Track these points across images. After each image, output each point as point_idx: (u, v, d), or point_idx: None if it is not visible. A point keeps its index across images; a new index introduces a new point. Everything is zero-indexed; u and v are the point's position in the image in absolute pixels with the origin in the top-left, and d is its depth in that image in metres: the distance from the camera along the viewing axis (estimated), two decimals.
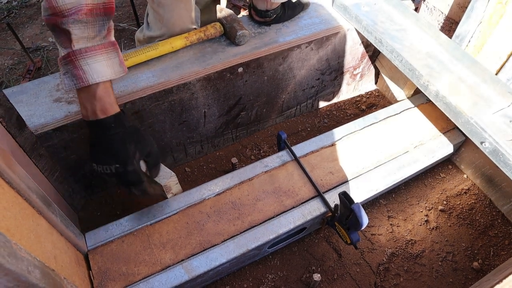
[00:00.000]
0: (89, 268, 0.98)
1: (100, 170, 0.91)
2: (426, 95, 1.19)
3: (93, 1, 0.78)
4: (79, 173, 1.21)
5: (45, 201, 0.82)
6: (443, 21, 1.41)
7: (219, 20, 1.31)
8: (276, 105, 1.50)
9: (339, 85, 1.62)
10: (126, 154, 0.90)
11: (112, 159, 0.90)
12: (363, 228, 0.96)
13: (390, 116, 1.37)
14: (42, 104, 1.09)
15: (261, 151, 1.49)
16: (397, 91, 1.60)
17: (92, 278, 0.96)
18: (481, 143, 1.05)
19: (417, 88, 1.46)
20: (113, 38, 0.88)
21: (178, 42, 1.23)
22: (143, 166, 0.98)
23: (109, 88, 0.88)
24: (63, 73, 0.83)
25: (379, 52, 1.58)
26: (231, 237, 1.05)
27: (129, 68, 1.18)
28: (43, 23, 2.34)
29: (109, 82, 0.88)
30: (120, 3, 2.53)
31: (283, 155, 1.23)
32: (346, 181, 1.18)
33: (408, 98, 1.49)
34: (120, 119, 0.91)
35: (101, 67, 0.84)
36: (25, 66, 2.05)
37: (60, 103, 1.09)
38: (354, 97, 1.71)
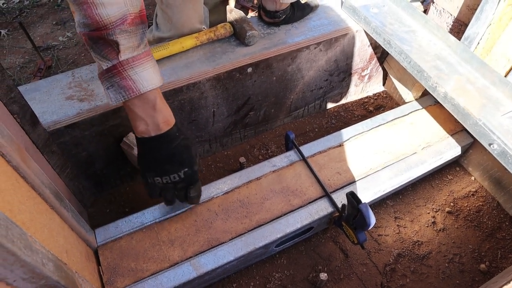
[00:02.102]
0: (98, 263, 0.99)
1: (166, 181, 0.91)
2: (435, 96, 1.20)
3: (135, 10, 0.76)
4: (90, 170, 1.23)
5: (58, 196, 0.84)
6: (452, 23, 1.41)
7: (229, 21, 1.32)
8: (284, 106, 1.51)
9: (347, 86, 1.63)
10: (193, 156, 0.92)
11: (180, 166, 0.90)
12: (370, 228, 0.97)
13: (398, 117, 1.37)
14: (54, 102, 1.11)
15: (269, 151, 1.50)
16: (405, 93, 1.61)
17: (101, 273, 0.97)
18: (490, 145, 1.05)
19: (425, 89, 1.46)
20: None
21: (188, 42, 1.24)
22: None
23: (162, 97, 0.86)
24: (106, 88, 0.80)
25: (387, 54, 1.58)
26: (239, 235, 1.05)
27: None
28: (54, 22, 2.37)
29: (159, 91, 0.85)
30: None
31: (291, 155, 1.24)
32: (354, 182, 1.18)
33: (416, 99, 1.49)
34: (178, 126, 0.90)
35: (149, 75, 0.81)
36: (35, 65, 2.08)
37: (72, 101, 1.11)
38: (362, 99, 1.71)
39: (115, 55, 0.77)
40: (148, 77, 0.81)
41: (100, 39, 0.75)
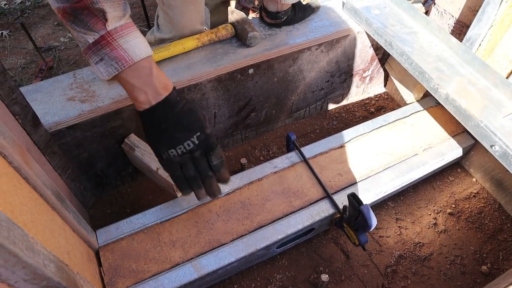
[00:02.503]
0: (100, 264, 0.99)
1: (182, 151, 0.85)
2: (436, 98, 1.20)
3: None
4: (91, 171, 1.23)
5: (59, 197, 0.84)
6: (453, 25, 1.41)
7: (230, 22, 1.32)
8: (286, 107, 1.51)
9: (348, 88, 1.63)
10: (201, 119, 0.86)
11: (190, 131, 0.85)
12: (371, 229, 0.96)
13: (399, 118, 1.37)
14: (56, 103, 1.11)
15: (270, 152, 1.50)
16: (406, 94, 1.60)
17: (102, 274, 0.97)
18: (491, 146, 1.05)
19: (426, 91, 1.46)
20: None
21: (189, 43, 1.25)
22: None
23: (156, 64, 0.82)
24: (95, 62, 0.76)
25: (388, 55, 1.58)
26: (240, 237, 1.05)
27: None
28: (55, 23, 2.37)
29: (152, 58, 0.81)
30: (131, 4, 2.55)
31: (292, 156, 1.24)
32: (355, 183, 1.18)
33: (417, 101, 1.49)
34: (178, 91, 0.86)
35: (140, 43, 0.77)
36: (37, 66, 2.08)
37: (74, 102, 1.11)
38: (363, 100, 1.71)
39: (102, 25, 0.73)
40: (139, 45, 0.77)
41: (85, 9, 0.71)
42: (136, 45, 0.77)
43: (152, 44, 1.47)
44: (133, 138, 1.18)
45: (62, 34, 2.31)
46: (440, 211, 1.32)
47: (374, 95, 1.73)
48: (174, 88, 0.85)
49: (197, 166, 0.90)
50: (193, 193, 0.95)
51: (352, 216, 1.01)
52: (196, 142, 0.86)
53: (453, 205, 1.34)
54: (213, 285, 1.14)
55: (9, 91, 0.85)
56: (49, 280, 0.57)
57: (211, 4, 1.71)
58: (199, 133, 0.86)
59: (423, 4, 1.90)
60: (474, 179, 1.41)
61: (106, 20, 0.73)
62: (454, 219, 1.31)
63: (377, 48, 1.52)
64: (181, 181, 0.91)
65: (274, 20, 1.35)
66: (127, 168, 1.30)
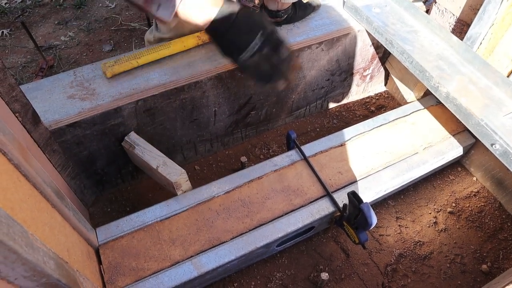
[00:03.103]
0: (99, 262, 0.99)
1: (253, 51, 0.92)
2: (437, 96, 1.19)
3: None
4: (91, 169, 1.23)
5: (59, 195, 0.84)
6: (454, 23, 1.41)
7: None
8: (286, 105, 1.50)
9: (349, 86, 1.63)
10: (260, 21, 0.93)
11: (253, 31, 0.92)
12: (371, 227, 0.96)
13: (400, 117, 1.37)
14: (56, 101, 1.11)
15: (270, 151, 1.50)
16: (407, 93, 1.60)
17: (102, 272, 0.97)
18: (492, 145, 1.05)
19: (427, 90, 1.46)
20: None
21: (190, 41, 1.24)
22: None
23: None
24: (156, 10, 0.84)
25: (389, 54, 1.58)
26: (240, 235, 1.05)
27: (141, 66, 1.20)
28: (56, 22, 2.38)
29: None
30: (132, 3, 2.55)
31: (292, 154, 1.24)
32: (355, 181, 1.18)
33: (417, 100, 1.49)
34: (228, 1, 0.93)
35: None
36: (37, 64, 2.08)
37: (74, 100, 1.11)
38: (363, 98, 1.71)
39: None
40: None
41: None
42: None
43: (152, 43, 1.47)
44: (133, 136, 1.18)
45: (62, 33, 2.31)
46: (441, 210, 1.32)
47: (375, 94, 1.73)
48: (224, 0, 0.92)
49: (272, 60, 0.97)
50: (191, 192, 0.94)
51: (352, 215, 1.01)
52: (262, 39, 0.92)
53: (454, 204, 1.34)
54: (213, 283, 1.14)
55: (9, 89, 0.85)
56: (49, 277, 0.57)
57: None
58: (261, 30, 0.92)
59: (424, 2, 1.90)
60: (474, 178, 1.41)
61: None
62: (455, 218, 1.31)
63: (377, 46, 1.52)
64: (260, 76, 1.00)
65: (274, 18, 1.34)
66: (127, 166, 1.30)
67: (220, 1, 0.91)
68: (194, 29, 1.33)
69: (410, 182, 1.29)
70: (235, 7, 0.92)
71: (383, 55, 1.58)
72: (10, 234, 0.47)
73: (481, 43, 1.24)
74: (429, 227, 1.28)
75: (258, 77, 1.00)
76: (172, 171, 1.09)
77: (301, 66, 1.01)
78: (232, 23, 0.91)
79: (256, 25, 0.93)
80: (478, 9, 1.19)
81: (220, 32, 0.92)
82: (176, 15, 0.86)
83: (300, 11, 1.39)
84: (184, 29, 1.32)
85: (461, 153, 1.32)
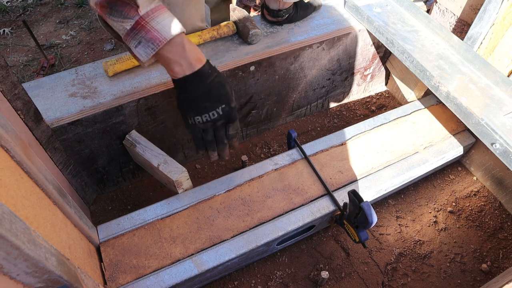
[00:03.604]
0: (100, 260, 1.00)
1: (206, 119, 0.95)
2: (437, 96, 1.20)
3: None
4: (92, 167, 1.23)
5: (61, 192, 0.84)
6: (455, 23, 1.41)
7: (232, 19, 1.33)
8: (287, 104, 1.51)
9: (350, 86, 1.63)
10: (229, 93, 0.95)
11: (217, 102, 0.93)
12: (372, 226, 0.97)
13: (400, 117, 1.37)
14: (58, 99, 1.12)
15: (271, 150, 1.50)
16: (407, 93, 1.60)
17: (103, 269, 0.97)
18: (492, 144, 1.05)
19: (427, 89, 1.46)
20: None
21: (191, 40, 1.24)
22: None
23: (189, 40, 0.90)
24: (134, 46, 0.84)
25: (390, 53, 1.58)
26: (240, 233, 1.06)
27: None
28: (57, 21, 2.38)
29: (184, 35, 0.89)
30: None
31: (293, 153, 1.24)
32: (355, 180, 1.19)
33: (418, 99, 1.49)
34: (210, 64, 0.94)
35: (170, 22, 0.85)
36: (39, 63, 2.08)
37: (76, 98, 1.12)
38: (364, 98, 1.71)
39: (135, 11, 0.80)
40: (170, 24, 0.84)
41: (118, 0, 0.80)
42: (167, 24, 0.84)
43: None
44: (135, 135, 1.18)
45: (64, 32, 2.31)
46: (441, 209, 1.33)
47: (375, 93, 1.73)
48: (207, 61, 0.93)
49: (216, 132, 1.01)
50: (192, 190, 0.95)
51: (353, 213, 1.01)
52: (221, 113, 0.95)
53: (454, 204, 1.34)
54: (214, 282, 1.15)
55: (12, 86, 0.85)
56: (51, 273, 0.58)
57: (211, 1, 1.71)
58: (224, 105, 0.95)
59: (425, 2, 1.90)
60: (474, 178, 1.41)
61: (138, 7, 0.80)
62: (455, 217, 1.31)
63: (378, 46, 1.52)
64: (199, 143, 1.03)
65: (275, 18, 1.35)
66: (128, 164, 1.31)
67: (204, 59, 0.92)
68: (196, 28, 1.33)
69: (411, 181, 1.30)
70: (213, 71, 0.94)
71: (384, 54, 1.58)
72: (12, 230, 0.48)
73: (481, 43, 1.24)
74: (429, 226, 1.28)
75: (197, 141, 1.02)
76: (173, 170, 1.09)
77: (237, 146, 1.08)
78: (205, 84, 0.92)
79: (225, 96, 0.95)
80: (479, 9, 1.19)
81: (189, 87, 0.92)
82: (153, 57, 0.87)
83: (302, 11, 1.39)
84: (186, 27, 1.31)
85: (462, 152, 1.32)
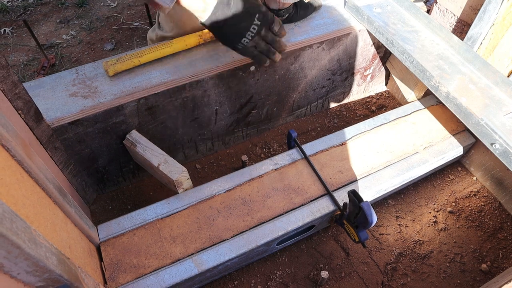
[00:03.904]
0: (101, 259, 1.00)
1: (252, 36, 1.01)
2: (437, 96, 1.20)
3: None
4: (92, 167, 1.23)
5: (61, 192, 0.84)
6: (455, 23, 1.41)
7: None
8: (287, 104, 1.51)
9: (350, 86, 1.63)
10: (254, 3, 1.00)
11: (250, 16, 0.99)
12: (371, 226, 0.97)
13: (400, 117, 1.37)
14: (58, 98, 1.12)
15: (271, 150, 1.50)
16: (407, 93, 1.61)
17: (103, 269, 0.98)
18: (492, 144, 1.05)
19: (427, 89, 1.46)
20: None
21: (192, 40, 1.25)
22: None
23: None
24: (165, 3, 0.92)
25: (390, 54, 1.59)
26: (240, 233, 1.06)
27: (143, 64, 1.21)
28: (58, 21, 2.38)
29: None
30: (133, 2, 2.56)
31: (293, 153, 1.25)
32: (355, 180, 1.19)
33: (418, 99, 1.49)
34: None
35: None
36: (39, 63, 2.09)
37: (76, 98, 1.12)
38: (364, 98, 1.71)
39: None
40: None
41: None
42: None
43: (154, 42, 1.47)
44: (135, 134, 1.18)
45: (64, 32, 2.32)
46: (440, 209, 1.33)
47: (375, 94, 1.73)
48: None
49: (266, 40, 1.08)
50: (192, 190, 0.95)
51: (353, 213, 1.01)
52: (259, 23, 1.01)
53: (453, 204, 1.34)
54: (214, 281, 1.15)
55: (12, 86, 0.85)
56: (51, 272, 0.58)
57: None
58: (257, 14, 1.01)
59: (425, 2, 1.90)
60: (474, 178, 1.41)
61: None
62: (454, 218, 1.31)
63: (378, 46, 1.52)
64: (258, 58, 1.10)
65: None
66: (129, 164, 1.31)
67: None
68: (196, 28, 1.33)
69: (410, 181, 1.30)
70: None
71: (384, 54, 1.58)
72: (13, 229, 0.48)
73: (481, 43, 1.24)
74: (429, 226, 1.29)
75: (256, 57, 1.09)
76: (173, 169, 1.09)
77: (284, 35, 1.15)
78: (231, 8, 0.97)
79: (252, 8, 1.00)
80: (479, 9, 1.20)
81: (220, 20, 0.98)
82: (177, 3, 0.93)
83: (302, 11, 1.39)
84: (186, 27, 1.33)
85: (461, 152, 1.32)
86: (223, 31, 1.02)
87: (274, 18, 1.06)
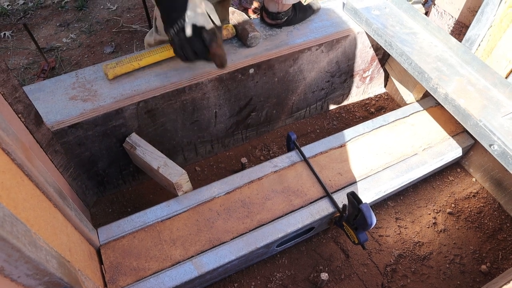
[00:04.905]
0: (101, 262, 1.00)
1: (177, 29, 1.00)
2: (435, 98, 1.20)
3: None
4: (92, 170, 1.24)
5: (61, 195, 0.84)
6: (453, 25, 1.42)
7: (231, 22, 1.33)
8: (286, 107, 1.51)
9: (349, 88, 1.64)
10: (195, 2, 1.00)
11: (182, 10, 0.99)
12: (371, 228, 0.97)
13: (399, 118, 1.38)
14: (58, 102, 1.12)
15: (270, 152, 1.51)
16: (406, 94, 1.61)
17: (104, 272, 0.98)
18: (490, 145, 1.05)
19: (426, 91, 1.47)
20: None
21: None
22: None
23: None
24: None
25: (388, 55, 1.59)
26: (240, 235, 1.06)
27: (143, 68, 1.21)
28: (58, 24, 2.39)
29: None
30: (133, 5, 2.56)
31: (292, 155, 1.25)
32: (355, 182, 1.19)
33: (417, 101, 1.50)
34: None
35: None
36: (39, 66, 2.09)
37: (76, 101, 1.12)
38: (363, 100, 1.72)
39: None
40: None
41: None
42: None
43: (152, 45, 1.48)
44: (135, 137, 1.19)
45: (64, 35, 2.32)
46: (440, 210, 1.33)
47: (374, 96, 1.73)
48: None
49: (190, 42, 1.03)
50: (192, 192, 0.95)
51: (352, 215, 1.01)
52: (186, 20, 1.00)
53: (453, 205, 1.34)
54: (213, 283, 1.15)
55: (13, 90, 0.85)
56: (51, 275, 0.58)
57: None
58: (189, 12, 0.99)
59: (423, 4, 1.91)
60: (473, 179, 1.41)
61: None
62: (454, 219, 1.31)
63: (377, 48, 1.53)
64: (177, 52, 1.06)
65: (274, 20, 1.35)
66: (129, 167, 1.31)
67: None
68: None
69: (410, 183, 1.30)
70: None
71: (383, 57, 1.59)
72: (13, 233, 0.48)
73: (479, 45, 1.25)
74: (428, 227, 1.29)
75: (176, 50, 1.06)
76: (173, 172, 1.10)
77: (225, 59, 1.09)
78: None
79: (188, 3, 1.00)
80: (477, 11, 1.20)
81: (162, 4, 1.01)
82: None
83: (300, 13, 1.40)
84: None
85: (460, 154, 1.33)
86: (161, 15, 1.03)
87: (207, 25, 1.02)
